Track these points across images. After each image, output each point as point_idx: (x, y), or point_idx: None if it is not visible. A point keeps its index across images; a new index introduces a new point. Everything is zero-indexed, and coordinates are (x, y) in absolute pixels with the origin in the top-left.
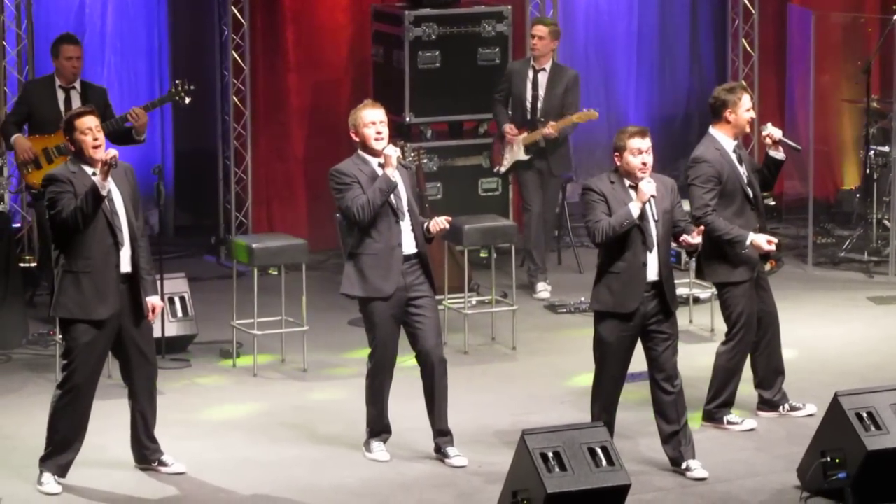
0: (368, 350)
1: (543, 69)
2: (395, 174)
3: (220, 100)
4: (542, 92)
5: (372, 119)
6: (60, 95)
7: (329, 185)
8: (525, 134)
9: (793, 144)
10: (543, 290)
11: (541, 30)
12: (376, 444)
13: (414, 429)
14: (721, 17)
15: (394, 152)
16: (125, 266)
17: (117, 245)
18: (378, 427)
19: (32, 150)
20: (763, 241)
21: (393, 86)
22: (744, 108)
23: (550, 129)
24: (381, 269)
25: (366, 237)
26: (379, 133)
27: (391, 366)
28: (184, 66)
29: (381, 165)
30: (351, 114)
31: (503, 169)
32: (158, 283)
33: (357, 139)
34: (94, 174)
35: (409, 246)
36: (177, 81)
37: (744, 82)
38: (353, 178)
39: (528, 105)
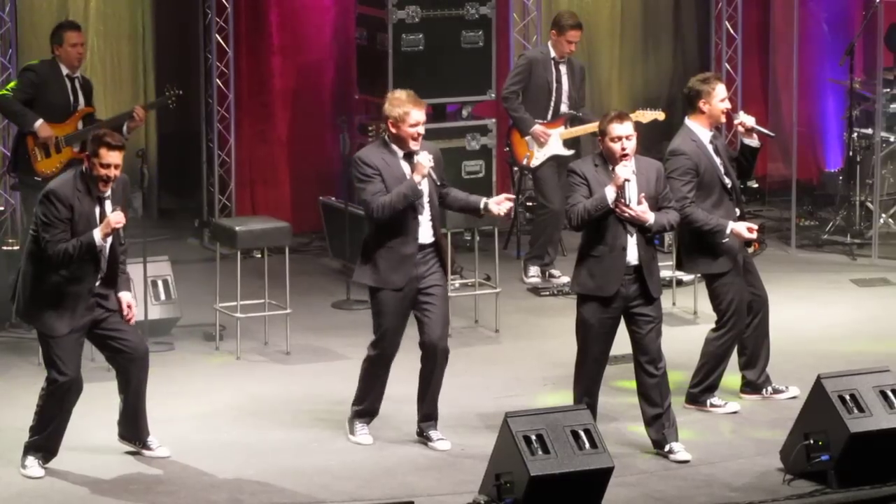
0: (356, 333)
1: (563, 61)
2: (422, 182)
3: (204, 83)
4: (566, 84)
5: (418, 119)
6: (68, 84)
7: (351, 171)
8: (562, 128)
9: (765, 131)
10: (534, 275)
11: (578, 35)
12: (360, 427)
13: (397, 411)
14: None
15: (427, 161)
16: (98, 283)
17: (97, 270)
18: (368, 408)
19: (53, 137)
20: (743, 228)
21: (376, 68)
22: (718, 98)
23: None
24: (394, 262)
25: (385, 228)
26: (419, 135)
27: (393, 355)
28: (167, 50)
29: (412, 169)
30: (391, 102)
31: (537, 163)
32: (141, 265)
33: (393, 130)
34: (98, 198)
35: (425, 236)
36: (167, 85)
37: (718, 73)
38: (375, 170)
39: (554, 96)
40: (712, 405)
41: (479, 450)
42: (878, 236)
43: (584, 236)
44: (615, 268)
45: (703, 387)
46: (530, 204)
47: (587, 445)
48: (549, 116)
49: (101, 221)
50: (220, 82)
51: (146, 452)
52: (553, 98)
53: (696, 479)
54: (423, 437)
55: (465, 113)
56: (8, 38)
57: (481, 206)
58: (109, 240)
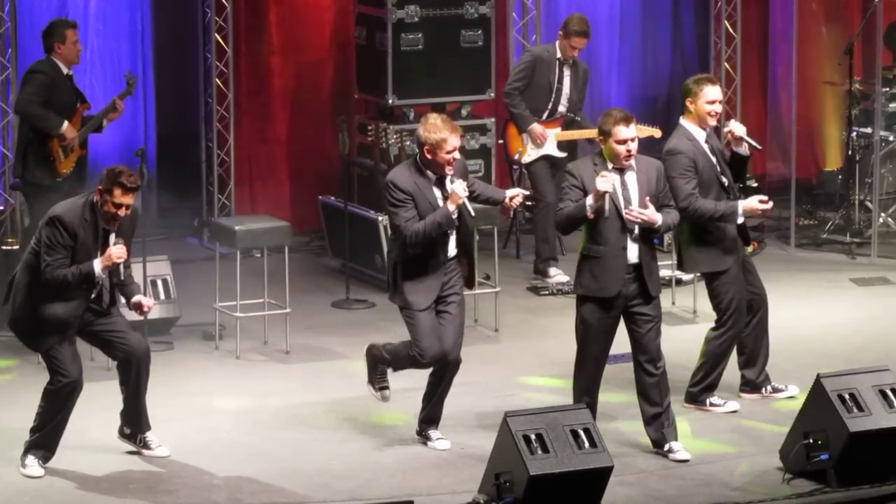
0: (356, 332)
1: (567, 62)
2: (455, 212)
3: (203, 82)
4: (567, 86)
5: (454, 146)
6: (68, 82)
7: (383, 193)
8: (559, 129)
9: (753, 143)
10: (557, 273)
11: (583, 42)
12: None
13: (397, 411)
14: None
15: (462, 192)
16: (93, 297)
17: (91, 291)
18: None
19: (77, 137)
20: (755, 202)
21: (375, 67)
22: (705, 99)
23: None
24: (422, 283)
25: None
26: (455, 160)
27: (438, 358)
28: (166, 49)
29: (443, 194)
30: (426, 128)
31: (528, 159)
32: (141, 265)
33: (428, 156)
34: (103, 230)
35: (451, 249)
36: (126, 73)
37: (715, 75)
38: (408, 195)
39: (554, 97)
40: (712, 404)
41: (478, 449)
42: (877, 235)
43: (585, 237)
44: (616, 268)
45: (702, 386)
46: (529, 203)
47: (586, 444)
48: (546, 116)
49: (102, 252)
50: (219, 81)
51: (146, 452)
52: (552, 98)
53: (696, 479)
54: (423, 437)
55: (464, 112)
56: (7, 38)
57: (502, 199)
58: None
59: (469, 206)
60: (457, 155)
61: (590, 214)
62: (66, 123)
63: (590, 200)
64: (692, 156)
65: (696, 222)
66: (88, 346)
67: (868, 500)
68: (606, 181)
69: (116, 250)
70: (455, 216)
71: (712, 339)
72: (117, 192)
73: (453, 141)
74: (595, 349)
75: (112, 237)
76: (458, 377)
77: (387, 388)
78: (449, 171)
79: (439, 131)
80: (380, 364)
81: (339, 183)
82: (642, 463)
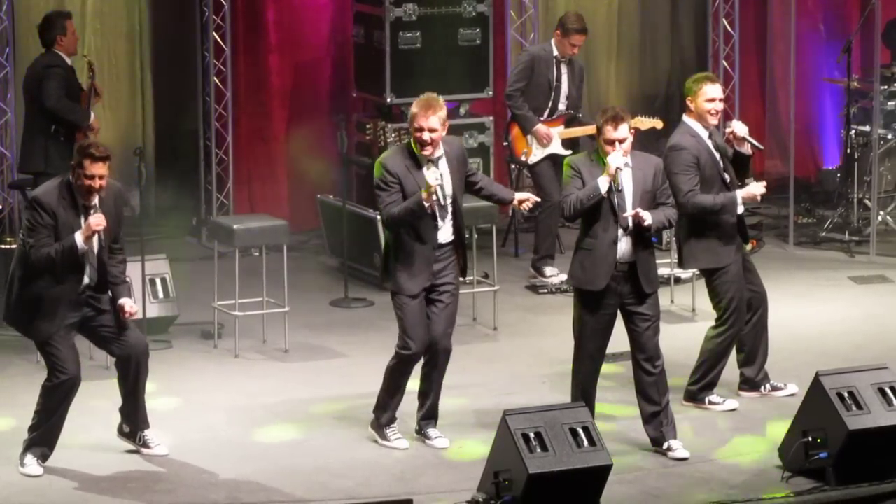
0: (354, 331)
1: (564, 60)
2: (447, 186)
3: (202, 81)
4: (566, 83)
5: (422, 125)
6: (73, 74)
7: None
8: (561, 127)
9: (755, 143)
10: (553, 273)
11: (582, 39)
12: (391, 433)
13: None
14: None
15: (433, 180)
16: (86, 282)
17: (81, 272)
18: (392, 414)
19: (99, 129)
20: (753, 189)
21: (374, 66)
22: (704, 97)
23: None
24: (412, 269)
25: (403, 234)
26: (426, 141)
27: (420, 354)
28: (164, 48)
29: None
30: (413, 104)
31: (534, 159)
32: (139, 264)
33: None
34: (83, 206)
35: (445, 236)
36: (82, 55)
37: (714, 74)
38: (395, 179)
39: (553, 95)
40: (711, 402)
41: (477, 448)
42: (875, 233)
43: (580, 229)
44: (605, 261)
45: (701, 384)
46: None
47: (585, 443)
48: (547, 115)
49: None
50: (217, 80)
51: (144, 451)
52: (552, 96)
53: (695, 477)
54: (422, 435)
55: (462, 111)
56: (6, 36)
57: (510, 199)
58: (96, 246)
59: (441, 193)
60: (427, 136)
61: (603, 192)
62: (93, 114)
63: (604, 181)
64: (695, 153)
65: (697, 217)
66: (87, 345)
67: (867, 498)
68: (618, 156)
69: (95, 218)
70: (444, 201)
71: (712, 337)
72: (87, 162)
73: (421, 119)
74: (591, 347)
75: (93, 213)
76: (457, 376)
77: (401, 437)
78: (426, 152)
79: (414, 108)
80: (383, 425)
81: (338, 181)
82: (641, 461)
